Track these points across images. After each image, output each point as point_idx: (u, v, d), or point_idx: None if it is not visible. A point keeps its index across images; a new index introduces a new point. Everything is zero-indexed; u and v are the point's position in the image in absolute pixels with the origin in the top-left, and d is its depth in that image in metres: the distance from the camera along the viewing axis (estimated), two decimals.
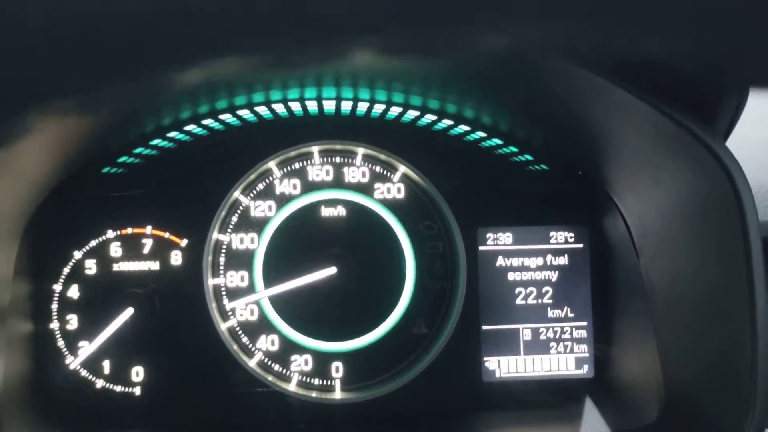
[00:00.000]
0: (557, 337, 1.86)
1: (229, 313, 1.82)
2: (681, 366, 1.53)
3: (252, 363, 1.80)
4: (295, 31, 0.99)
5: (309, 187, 1.86)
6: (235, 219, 1.83)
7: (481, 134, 1.84)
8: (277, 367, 1.83)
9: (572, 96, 1.45)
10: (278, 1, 0.89)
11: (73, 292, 1.77)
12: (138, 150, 1.78)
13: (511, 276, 1.87)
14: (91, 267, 1.78)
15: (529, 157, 1.87)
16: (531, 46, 1.29)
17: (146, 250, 1.80)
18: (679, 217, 1.48)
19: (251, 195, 1.84)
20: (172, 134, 1.76)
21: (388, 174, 1.88)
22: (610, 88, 1.32)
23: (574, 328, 1.86)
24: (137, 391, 1.78)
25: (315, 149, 1.86)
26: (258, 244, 1.83)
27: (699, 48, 1.16)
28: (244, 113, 1.75)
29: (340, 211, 1.86)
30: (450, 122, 1.81)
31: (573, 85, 1.40)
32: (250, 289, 1.82)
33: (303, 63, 1.34)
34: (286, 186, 1.85)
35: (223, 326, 1.80)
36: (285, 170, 1.86)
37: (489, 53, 1.35)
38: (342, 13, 0.93)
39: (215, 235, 1.81)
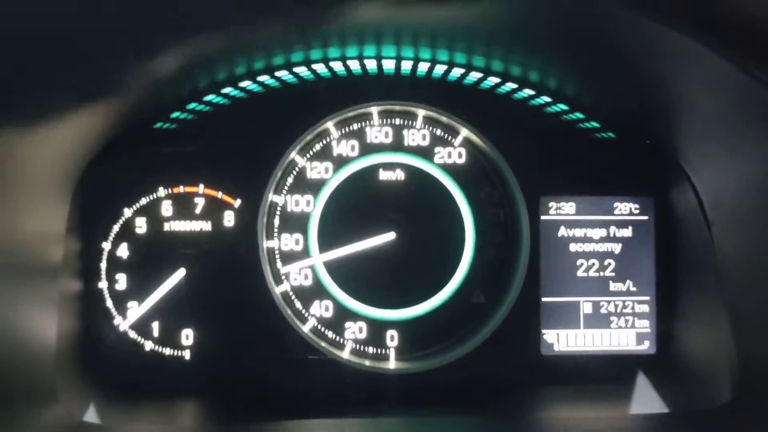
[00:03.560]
0: (618, 311, 1.80)
1: (283, 277, 1.76)
2: (758, 344, 1.47)
3: (305, 329, 1.75)
4: None
5: (367, 149, 1.79)
6: (290, 180, 1.77)
7: (546, 99, 1.76)
8: (330, 334, 1.77)
9: (648, 56, 1.37)
10: None
11: (123, 250, 1.71)
12: (192, 105, 1.71)
13: (573, 247, 1.80)
14: (141, 225, 1.72)
15: (595, 124, 1.80)
16: None
17: (198, 210, 1.73)
18: (760, 189, 1.40)
19: (308, 156, 1.77)
20: (227, 90, 1.70)
21: (449, 138, 1.80)
22: (692, 47, 1.24)
23: (636, 303, 1.80)
24: (187, 354, 1.73)
25: (374, 110, 1.78)
26: (314, 206, 1.77)
27: None
28: (301, 70, 1.68)
29: (399, 174, 1.79)
30: (514, 86, 1.74)
31: (650, 44, 1.32)
32: (305, 252, 1.76)
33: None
34: (343, 147, 1.78)
35: (277, 290, 1.74)
36: (343, 131, 1.79)
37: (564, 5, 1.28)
38: None
39: (270, 196, 1.74)
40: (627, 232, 1.81)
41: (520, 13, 1.36)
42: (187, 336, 1.73)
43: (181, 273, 1.71)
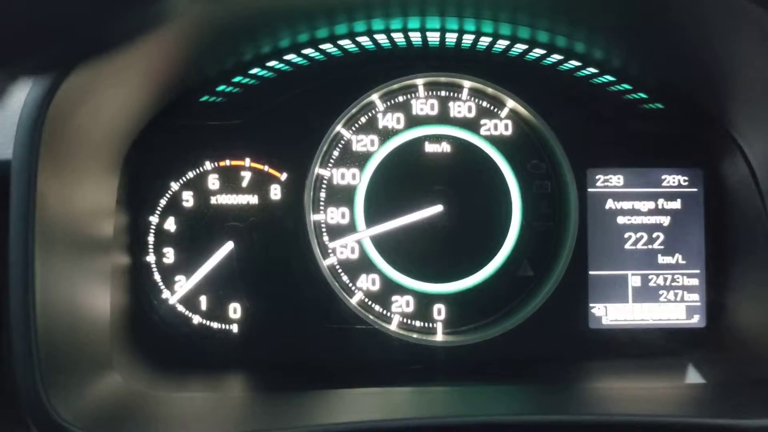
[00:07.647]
0: (667, 284, 1.77)
1: (330, 251, 1.75)
2: None
3: (353, 302, 1.74)
4: None
5: (413, 121, 1.78)
6: (336, 153, 1.76)
7: (592, 70, 1.74)
8: (377, 308, 1.77)
9: (697, 20, 1.34)
10: None
11: (170, 224, 1.72)
12: (237, 79, 1.70)
13: (620, 219, 1.78)
14: (188, 199, 1.72)
15: (643, 95, 1.77)
16: None
17: (245, 183, 1.73)
18: None
19: (353, 129, 1.77)
20: (272, 63, 1.68)
21: (496, 109, 1.79)
22: (751, 11, 1.21)
23: (685, 276, 1.78)
24: (234, 328, 1.73)
25: (420, 82, 1.77)
26: (360, 179, 1.76)
27: None
28: (345, 43, 1.67)
29: (445, 147, 1.78)
30: (560, 57, 1.71)
31: (699, 6, 1.29)
32: (351, 226, 1.76)
33: None
34: (389, 120, 1.77)
35: (324, 264, 1.73)
36: (388, 103, 1.78)
37: None
38: None
39: (316, 169, 1.74)
40: (676, 205, 1.79)
41: None
42: (235, 310, 1.73)
43: (228, 246, 1.70)
